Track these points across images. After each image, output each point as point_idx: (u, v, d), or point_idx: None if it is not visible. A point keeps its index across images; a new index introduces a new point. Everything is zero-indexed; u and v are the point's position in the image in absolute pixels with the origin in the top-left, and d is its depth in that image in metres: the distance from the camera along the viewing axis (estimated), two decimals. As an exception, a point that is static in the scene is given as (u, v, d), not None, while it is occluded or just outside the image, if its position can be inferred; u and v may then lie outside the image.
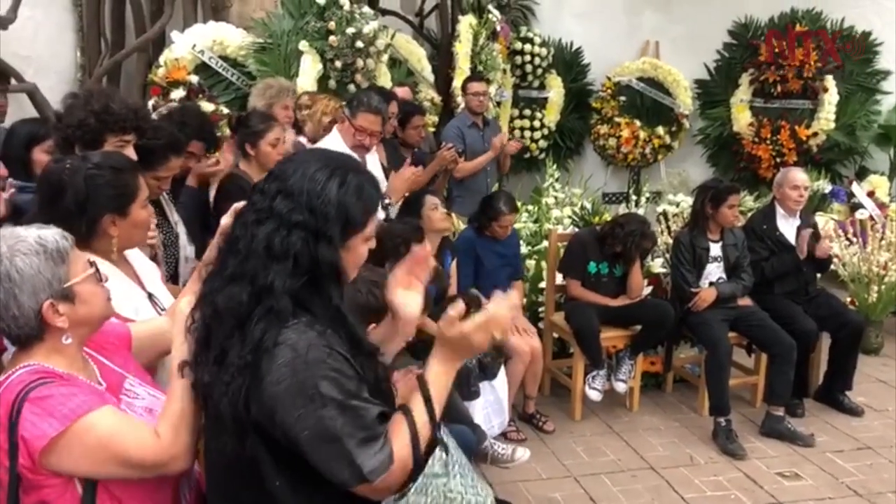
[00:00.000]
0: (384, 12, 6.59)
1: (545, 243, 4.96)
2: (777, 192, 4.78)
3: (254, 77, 5.22)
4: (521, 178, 7.53)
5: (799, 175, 4.77)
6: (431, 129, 6.03)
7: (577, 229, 5.15)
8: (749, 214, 5.42)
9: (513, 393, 4.16)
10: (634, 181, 8.10)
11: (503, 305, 1.56)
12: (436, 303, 4.06)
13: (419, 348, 3.69)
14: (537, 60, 7.76)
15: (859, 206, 6.57)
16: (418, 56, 6.52)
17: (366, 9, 5.44)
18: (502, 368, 4.00)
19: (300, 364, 1.40)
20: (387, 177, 4.16)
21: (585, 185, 6.57)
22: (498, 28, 7.02)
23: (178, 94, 4.96)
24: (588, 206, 5.80)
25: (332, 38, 5.14)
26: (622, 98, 8.06)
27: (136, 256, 2.31)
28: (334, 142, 3.96)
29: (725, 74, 8.26)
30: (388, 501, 1.48)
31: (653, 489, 3.80)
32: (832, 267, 5.15)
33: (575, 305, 4.53)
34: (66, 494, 1.55)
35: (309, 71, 5.11)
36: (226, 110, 5.00)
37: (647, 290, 4.75)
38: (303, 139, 4.45)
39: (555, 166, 6.51)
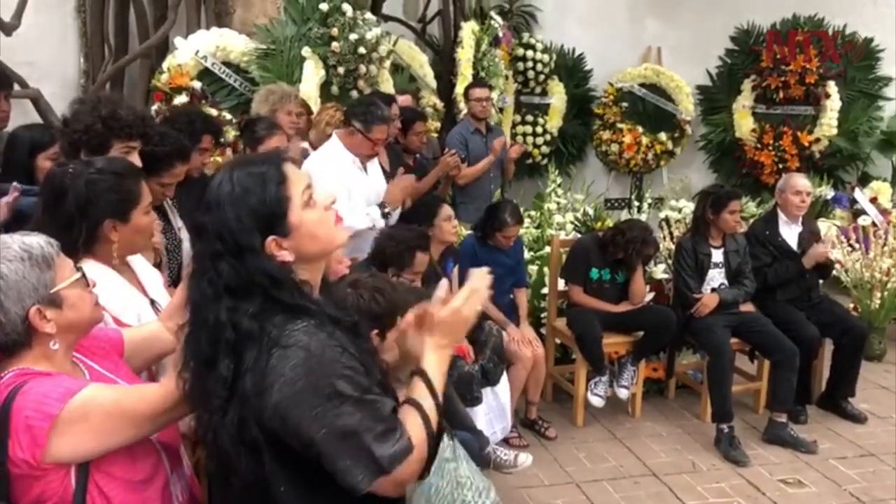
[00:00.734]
0: (387, 18, 6.61)
1: (547, 249, 4.96)
2: (779, 198, 4.78)
3: (256, 83, 5.24)
4: (523, 183, 7.53)
5: (801, 181, 4.77)
6: (434, 135, 6.04)
7: (579, 235, 5.15)
8: (751, 220, 5.42)
9: (515, 399, 4.16)
10: (637, 187, 8.10)
11: (481, 279, 1.61)
12: None
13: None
14: (539, 66, 7.77)
15: (862, 212, 6.56)
16: (421, 62, 6.54)
17: (368, 15, 5.46)
18: (504, 374, 4.00)
19: (314, 364, 1.40)
20: (388, 181, 4.18)
21: (588, 191, 6.57)
22: (500, 34, 7.05)
23: (181, 99, 4.98)
24: (590, 211, 5.80)
25: (334, 44, 5.15)
26: (624, 104, 8.07)
27: (138, 262, 2.31)
28: (334, 148, 3.98)
29: (727, 80, 8.27)
30: (410, 486, 1.49)
31: (655, 496, 3.79)
32: (835, 273, 5.15)
33: (577, 311, 4.52)
34: (61, 490, 1.55)
35: (311, 77, 5.13)
36: (228, 116, 5.02)
37: (650, 296, 4.74)
38: (306, 145, 4.47)
39: (557, 172, 6.52)
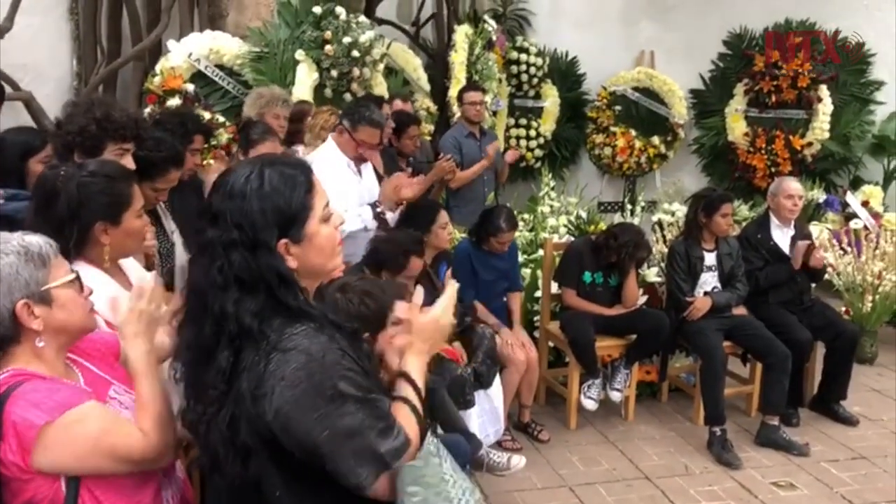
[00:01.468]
0: (380, 22, 6.61)
1: (540, 252, 4.96)
2: (771, 202, 4.80)
3: (250, 86, 5.24)
4: (516, 186, 7.53)
5: (793, 184, 4.79)
6: (428, 139, 6.04)
7: (572, 238, 5.15)
8: (744, 224, 5.44)
9: (508, 402, 4.16)
10: (630, 190, 8.12)
11: (451, 286, 1.72)
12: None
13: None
14: (533, 70, 7.79)
15: (853, 215, 6.59)
16: (414, 65, 6.54)
17: (362, 18, 5.46)
18: (497, 377, 4.00)
19: (316, 367, 1.41)
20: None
21: (581, 195, 6.57)
22: (494, 38, 7.06)
23: (174, 102, 4.96)
24: (583, 215, 5.80)
25: (328, 47, 5.16)
26: (617, 107, 8.09)
27: (130, 266, 2.31)
28: (328, 151, 3.98)
29: (720, 84, 8.30)
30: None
31: (648, 499, 3.80)
32: (827, 276, 5.17)
33: (570, 315, 4.53)
34: (52, 494, 1.55)
35: (305, 80, 5.13)
36: (221, 119, 5.01)
37: (642, 299, 4.75)
38: (300, 148, 4.47)
39: (550, 175, 6.51)
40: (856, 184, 7.77)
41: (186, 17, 5.91)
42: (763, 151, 7.88)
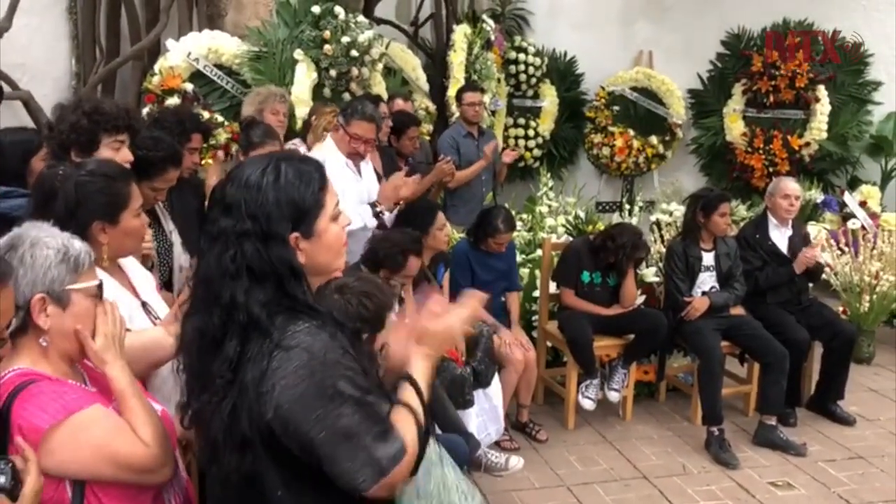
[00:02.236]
0: (379, 21, 6.61)
1: (539, 252, 4.97)
2: (769, 202, 4.81)
3: (248, 85, 5.23)
4: (515, 186, 7.54)
5: (791, 184, 4.80)
6: (426, 138, 6.05)
7: (570, 238, 5.16)
8: (742, 224, 5.44)
9: (506, 402, 4.16)
10: (628, 190, 8.13)
11: (475, 300, 1.70)
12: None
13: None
14: (531, 70, 7.79)
15: (851, 215, 6.61)
16: (413, 65, 6.54)
17: (361, 18, 5.46)
18: (496, 375, 4.01)
19: (317, 365, 1.41)
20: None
21: (579, 194, 6.58)
22: (492, 37, 7.06)
23: (172, 101, 4.97)
24: (582, 214, 5.81)
25: (326, 46, 5.15)
26: (616, 107, 8.09)
27: (130, 265, 2.31)
28: (328, 150, 3.98)
29: (718, 84, 8.31)
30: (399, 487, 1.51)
31: (645, 498, 3.80)
32: (824, 276, 5.18)
33: (568, 314, 4.53)
34: (57, 497, 1.55)
35: (304, 80, 5.13)
36: (220, 118, 5.02)
37: (640, 299, 4.76)
38: (296, 140, 4.48)
39: (549, 175, 6.53)
40: (853, 184, 7.79)
41: (185, 16, 5.91)
42: (761, 151, 7.89)
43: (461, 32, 6.71)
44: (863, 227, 6.29)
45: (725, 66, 8.30)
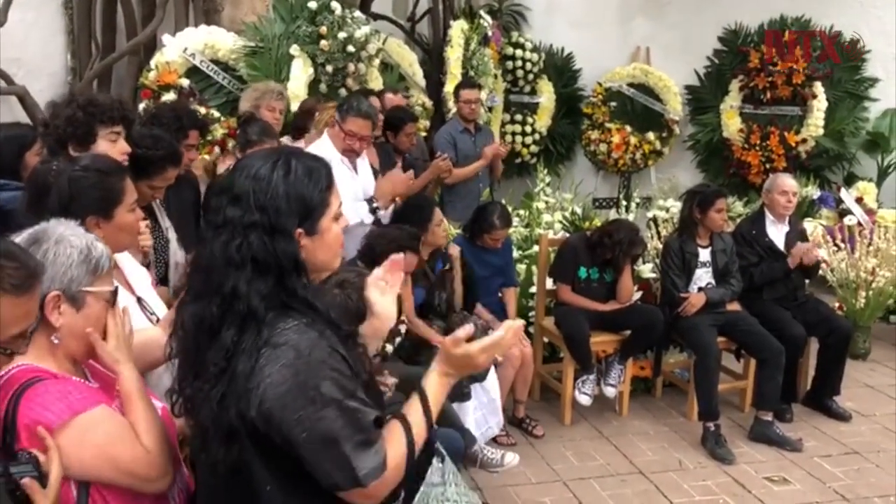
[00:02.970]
0: (376, 17, 6.60)
1: (536, 248, 4.97)
2: (766, 198, 4.81)
3: (245, 81, 5.23)
4: (512, 182, 7.54)
5: (788, 181, 4.80)
6: (423, 134, 6.04)
7: (567, 234, 5.16)
8: (738, 220, 5.45)
9: (503, 397, 4.17)
10: (625, 186, 8.12)
11: (511, 334, 1.61)
12: (435, 312, 4.06)
13: (405, 347, 3.70)
14: (528, 66, 7.78)
15: (848, 212, 6.62)
16: (410, 61, 6.53)
17: (357, 13, 5.45)
18: (493, 369, 4.01)
19: (302, 365, 1.41)
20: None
21: (576, 191, 6.58)
22: (489, 33, 7.04)
23: (169, 97, 4.96)
24: (579, 211, 5.81)
25: (323, 42, 5.14)
26: (613, 104, 8.08)
27: (126, 261, 2.31)
28: (324, 146, 3.97)
29: (715, 80, 8.30)
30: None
31: (642, 494, 3.81)
32: (820, 272, 5.18)
33: (565, 310, 4.54)
34: (62, 496, 1.54)
35: (300, 75, 5.12)
36: (217, 114, 5.01)
37: (637, 295, 4.76)
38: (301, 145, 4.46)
39: (546, 171, 6.53)
40: (850, 180, 7.80)
41: (181, 11, 5.89)
42: (758, 148, 7.89)
43: (458, 28, 6.70)
44: (859, 224, 6.29)
45: (722, 62, 8.29)
